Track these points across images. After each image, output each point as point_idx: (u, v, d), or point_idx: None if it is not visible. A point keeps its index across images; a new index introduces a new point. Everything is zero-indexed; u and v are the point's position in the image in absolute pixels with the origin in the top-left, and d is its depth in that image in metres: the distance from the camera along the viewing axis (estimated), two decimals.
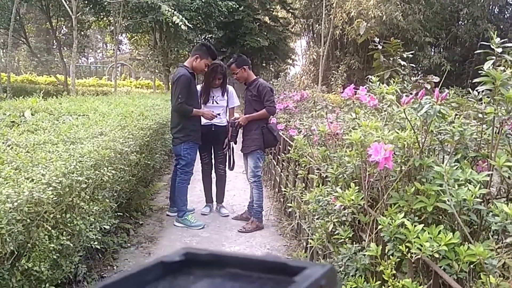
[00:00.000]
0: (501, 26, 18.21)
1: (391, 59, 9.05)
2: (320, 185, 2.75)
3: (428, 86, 8.94)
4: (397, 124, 2.04)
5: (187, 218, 4.04)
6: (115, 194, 2.79)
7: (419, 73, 17.79)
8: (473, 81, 1.54)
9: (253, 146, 4.02)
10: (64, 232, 1.86)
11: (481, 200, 1.46)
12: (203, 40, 13.66)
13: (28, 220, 1.46)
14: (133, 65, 24.53)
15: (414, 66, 9.20)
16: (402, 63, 9.51)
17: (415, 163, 1.68)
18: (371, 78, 2.95)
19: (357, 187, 1.94)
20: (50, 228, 1.62)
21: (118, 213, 3.03)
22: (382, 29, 15.76)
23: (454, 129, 1.66)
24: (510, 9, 19.38)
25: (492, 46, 1.50)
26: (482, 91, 1.55)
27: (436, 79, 8.91)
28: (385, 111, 2.24)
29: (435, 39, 18.57)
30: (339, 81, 16.62)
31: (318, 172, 2.79)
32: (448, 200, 1.42)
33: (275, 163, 5.45)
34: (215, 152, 4.46)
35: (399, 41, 9.41)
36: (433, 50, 20.94)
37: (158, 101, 6.89)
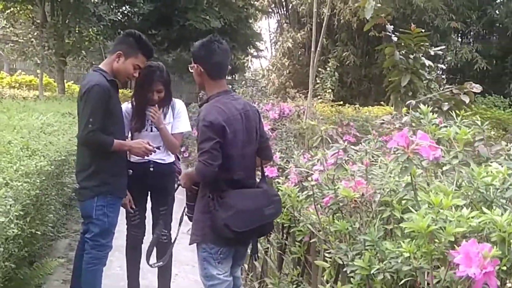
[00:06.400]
0: None
1: (411, 56, 9.24)
2: (334, 278, 2.54)
3: (467, 99, 9.10)
4: (479, 193, 1.87)
5: None
6: None
7: (443, 73, 18.41)
8: None
9: (194, 234, 3.22)
10: None
11: None
12: (120, 16, 13.42)
13: None
14: (5, 50, 23.65)
15: (442, 66, 9.44)
16: (427, 63, 9.74)
17: None
18: (418, 105, 2.81)
19: None
20: None
21: None
22: (389, 8, 16.21)
23: None
24: None
25: None
26: None
27: (478, 88, 9.10)
28: (449, 166, 2.07)
29: (463, 24, 19.36)
30: (328, 84, 16.77)
31: (330, 257, 2.58)
32: None
33: None
34: (154, 207, 4.24)
35: (423, 30, 9.64)
36: (460, 39, 21.90)
37: (50, 117, 6.50)
